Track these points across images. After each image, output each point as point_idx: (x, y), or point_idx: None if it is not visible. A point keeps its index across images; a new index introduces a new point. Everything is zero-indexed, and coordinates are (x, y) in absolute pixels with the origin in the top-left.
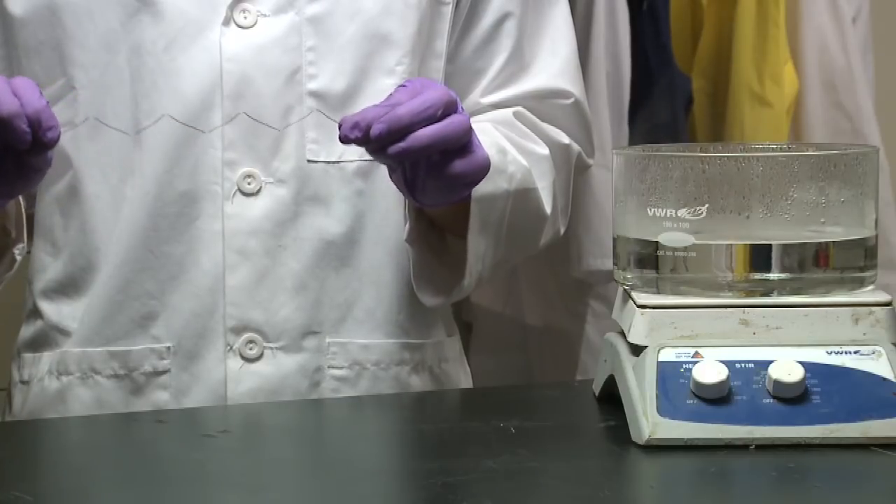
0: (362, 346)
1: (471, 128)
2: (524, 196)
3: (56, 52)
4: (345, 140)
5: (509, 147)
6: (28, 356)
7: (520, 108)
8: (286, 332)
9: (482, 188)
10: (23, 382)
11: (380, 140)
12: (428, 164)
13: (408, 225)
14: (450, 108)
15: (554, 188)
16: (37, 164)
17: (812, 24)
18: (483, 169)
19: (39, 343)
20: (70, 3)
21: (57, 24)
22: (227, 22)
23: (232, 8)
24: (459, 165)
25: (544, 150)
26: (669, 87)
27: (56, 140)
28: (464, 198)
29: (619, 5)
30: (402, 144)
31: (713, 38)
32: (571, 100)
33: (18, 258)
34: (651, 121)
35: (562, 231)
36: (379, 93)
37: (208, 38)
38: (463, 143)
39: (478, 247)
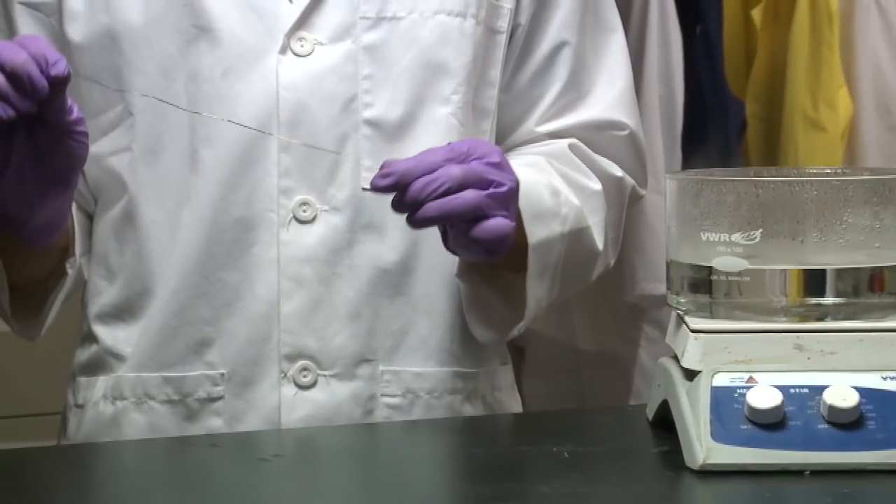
0: (415, 375)
1: (486, 201)
2: (578, 236)
3: (114, 78)
4: (373, 186)
5: (562, 186)
6: (83, 380)
7: (574, 141)
8: (340, 360)
9: (538, 234)
10: (77, 406)
11: (396, 207)
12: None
13: (459, 259)
14: (467, 185)
15: (605, 223)
16: (66, 125)
17: (866, 47)
18: (500, 239)
19: (94, 367)
20: (129, 29)
21: (116, 50)
22: (283, 50)
23: (289, 36)
24: (476, 231)
25: (597, 186)
26: (723, 111)
27: (65, 73)
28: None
29: (672, 30)
30: (414, 217)
31: (767, 63)
32: (627, 131)
33: (70, 271)
34: (704, 145)
35: (611, 263)
36: (434, 121)
37: (265, 65)
38: (477, 215)
39: (536, 291)
